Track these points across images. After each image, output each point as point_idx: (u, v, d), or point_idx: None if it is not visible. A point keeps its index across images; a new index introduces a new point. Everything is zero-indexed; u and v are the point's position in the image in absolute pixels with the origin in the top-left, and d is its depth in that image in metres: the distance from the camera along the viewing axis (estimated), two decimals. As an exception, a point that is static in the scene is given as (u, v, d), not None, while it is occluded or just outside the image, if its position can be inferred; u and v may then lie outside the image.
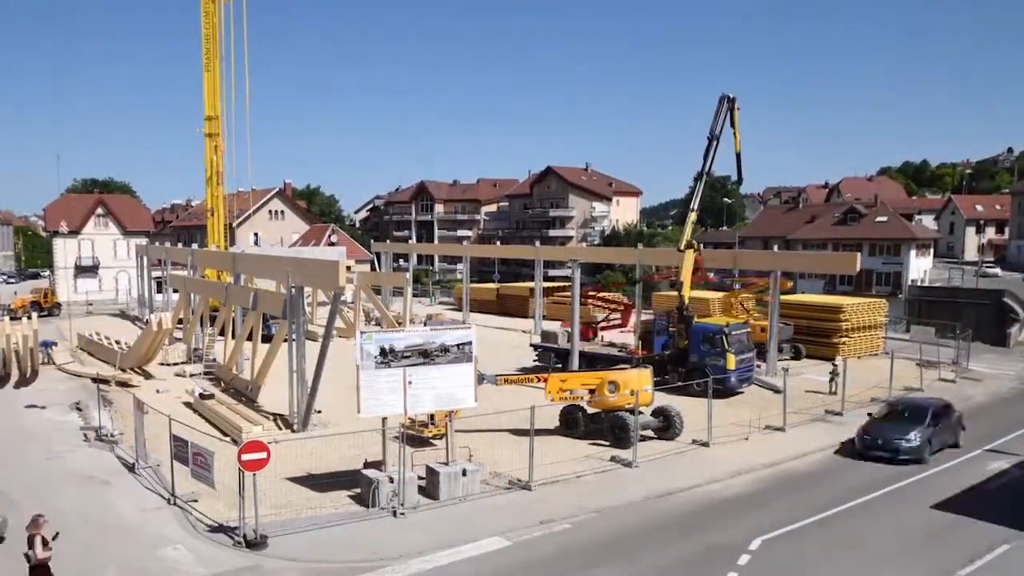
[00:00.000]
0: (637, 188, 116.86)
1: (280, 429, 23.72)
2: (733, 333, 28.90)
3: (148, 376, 32.33)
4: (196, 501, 17.09)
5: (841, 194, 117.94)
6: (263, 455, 14.93)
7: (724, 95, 30.36)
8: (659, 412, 23.01)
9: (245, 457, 14.74)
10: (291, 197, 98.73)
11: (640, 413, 21.85)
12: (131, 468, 19.77)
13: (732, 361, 28.12)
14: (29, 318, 37.64)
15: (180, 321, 37.73)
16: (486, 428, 21.58)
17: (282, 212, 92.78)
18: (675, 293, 31.78)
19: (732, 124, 30.23)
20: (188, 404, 26.60)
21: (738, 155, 31.25)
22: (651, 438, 22.63)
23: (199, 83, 49.93)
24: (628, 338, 37.40)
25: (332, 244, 76.86)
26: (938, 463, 21.19)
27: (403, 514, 16.66)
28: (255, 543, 14.91)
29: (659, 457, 21.04)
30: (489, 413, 20.56)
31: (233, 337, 31.49)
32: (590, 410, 22.97)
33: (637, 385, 21.87)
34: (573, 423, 23.06)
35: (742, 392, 28.96)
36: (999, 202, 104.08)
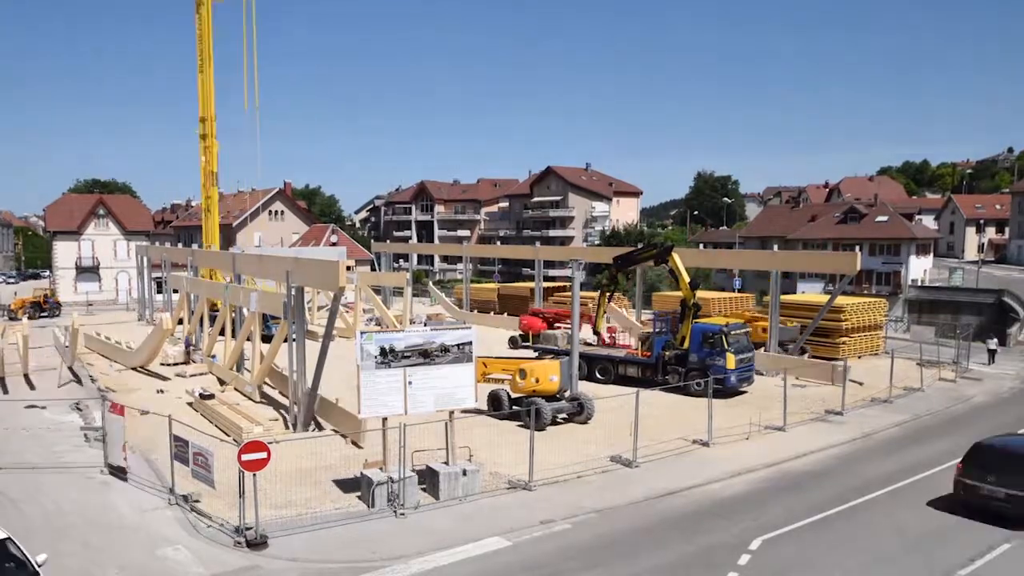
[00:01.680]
0: (637, 188, 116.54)
1: (284, 429, 23.73)
2: (733, 333, 28.97)
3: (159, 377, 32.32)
4: (197, 501, 17.06)
5: (841, 194, 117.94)
6: (263, 455, 14.93)
7: None
8: (574, 398, 25.09)
9: (245, 457, 14.73)
10: (291, 197, 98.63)
11: (561, 399, 24.52)
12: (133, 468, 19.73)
13: (732, 361, 28.17)
14: (29, 318, 37.61)
15: (180, 321, 37.74)
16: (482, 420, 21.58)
17: (282, 212, 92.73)
18: (677, 294, 31.81)
19: None
20: (190, 404, 26.62)
21: None
22: (566, 420, 24.64)
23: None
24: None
25: (332, 244, 76.96)
26: (937, 463, 21.15)
27: (403, 514, 16.67)
28: (255, 543, 14.89)
29: (659, 457, 21.05)
30: (489, 413, 20.55)
31: (233, 337, 31.50)
32: (514, 395, 25.17)
33: (543, 375, 24.40)
34: (499, 404, 25.28)
35: (744, 392, 29.00)
36: (999, 202, 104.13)
